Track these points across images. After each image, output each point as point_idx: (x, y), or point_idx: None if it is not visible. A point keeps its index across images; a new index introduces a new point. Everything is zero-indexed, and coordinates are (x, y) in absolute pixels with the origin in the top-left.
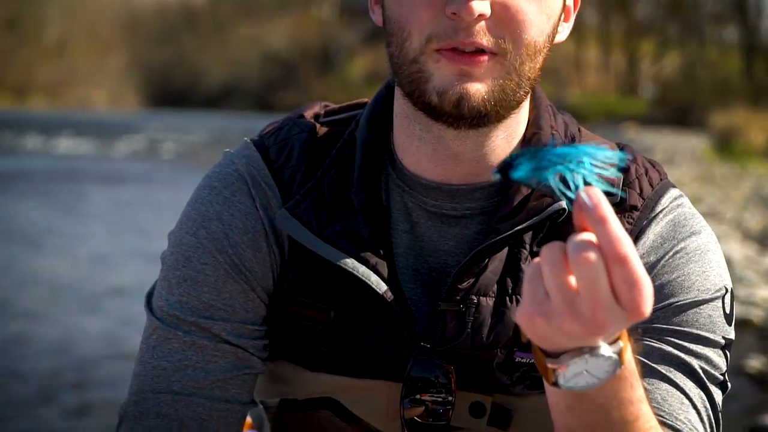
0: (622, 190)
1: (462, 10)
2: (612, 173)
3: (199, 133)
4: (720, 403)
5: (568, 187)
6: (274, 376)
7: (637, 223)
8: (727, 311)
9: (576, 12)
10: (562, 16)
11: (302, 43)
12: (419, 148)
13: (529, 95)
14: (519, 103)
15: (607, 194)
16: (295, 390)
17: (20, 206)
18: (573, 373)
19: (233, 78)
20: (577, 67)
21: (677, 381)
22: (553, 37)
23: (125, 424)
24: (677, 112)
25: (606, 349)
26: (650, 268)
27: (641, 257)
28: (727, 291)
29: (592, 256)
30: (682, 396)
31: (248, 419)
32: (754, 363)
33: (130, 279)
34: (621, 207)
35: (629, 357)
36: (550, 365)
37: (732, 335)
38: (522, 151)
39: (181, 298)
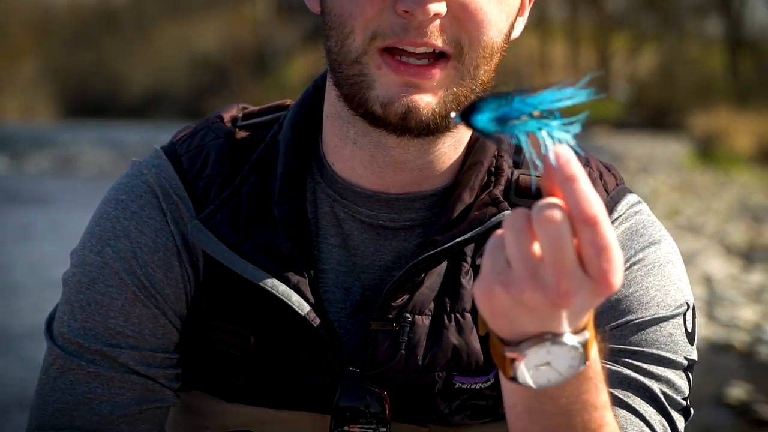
0: None
1: (416, 8)
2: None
3: (122, 146)
4: (682, 424)
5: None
6: (188, 408)
7: None
8: (689, 329)
9: (531, 5)
10: (518, 12)
11: (234, 45)
12: (354, 153)
13: None
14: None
15: None
16: (210, 423)
17: None
18: (534, 364)
19: (159, 84)
20: (541, 65)
21: (636, 407)
22: (510, 36)
23: None
24: (654, 114)
25: (570, 338)
26: None
27: None
28: (688, 307)
29: (558, 215)
30: (642, 423)
31: None
32: (736, 392)
33: (38, 315)
34: None
35: (595, 354)
36: (508, 354)
37: (694, 355)
38: (488, 95)
39: (85, 324)
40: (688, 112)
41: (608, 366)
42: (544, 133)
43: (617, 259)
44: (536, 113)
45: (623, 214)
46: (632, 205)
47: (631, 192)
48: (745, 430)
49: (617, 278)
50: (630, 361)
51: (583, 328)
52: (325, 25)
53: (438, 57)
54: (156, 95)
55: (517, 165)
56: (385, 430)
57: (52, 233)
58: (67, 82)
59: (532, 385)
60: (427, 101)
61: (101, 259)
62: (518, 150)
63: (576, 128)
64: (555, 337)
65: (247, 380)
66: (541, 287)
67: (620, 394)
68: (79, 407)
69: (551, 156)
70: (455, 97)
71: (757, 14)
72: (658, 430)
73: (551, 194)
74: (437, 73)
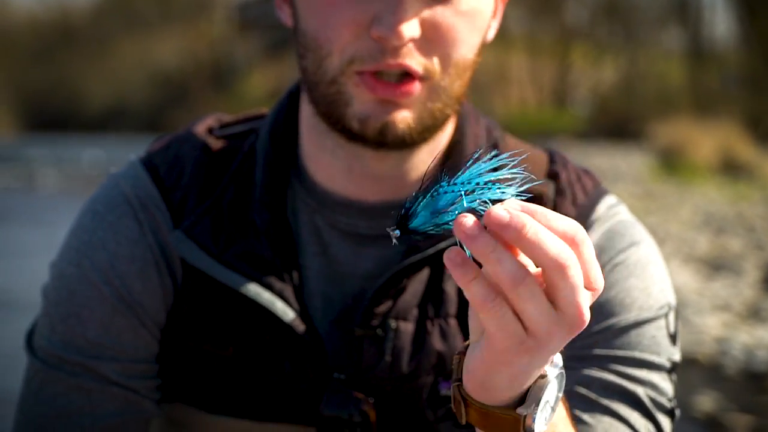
0: (555, 197)
1: (390, 35)
2: (540, 181)
3: (83, 160)
4: (671, 425)
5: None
6: (171, 421)
7: None
8: (672, 330)
9: (504, 6)
10: (492, 17)
11: (193, 60)
12: (332, 163)
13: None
14: (446, 121)
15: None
16: None
17: None
18: (540, 410)
19: (119, 98)
20: (501, 78)
21: (621, 413)
22: (483, 46)
23: None
24: (613, 125)
25: (553, 371)
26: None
27: None
28: (671, 308)
29: (518, 280)
30: (628, 430)
31: None
32: (704, 403)
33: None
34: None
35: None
36: (522, 412)
37: (678, 356)
38: (414, 195)
39: (64, 336)
40: (649, 123)
41: (592, 373)
42: (483, 204)
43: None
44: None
45: (603, 215)
46: (611, 207)
47: (609, 194)
48: None
49: (587, 314)
50: (614, 366)
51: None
52: (299, 45)
53: (413, 75)
54: (116, 109)
55: None
56: None
57: (7, 249)
58: (25, 96)
59: (544, 427)
60: (403, 117)
61: (79, 271)
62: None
63: (513, 189)
64: (546, 377)
65: (229, 391)
66: (529, 350)
67: (605, 401)
68: (61, 419)
69: (490, 222)
70: (430, 112)
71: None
72: None
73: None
74: (413, 91)
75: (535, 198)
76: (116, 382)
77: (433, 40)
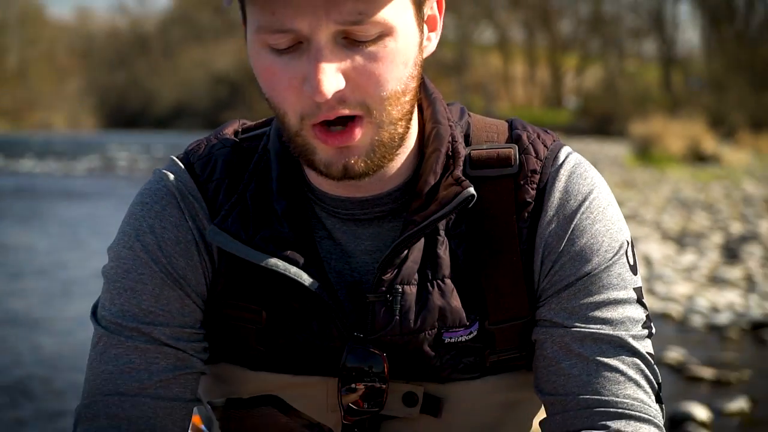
0: (519, 157)
1: (315, 94)
2: (501, 148)
3: (152, 151)
4: (652, 349)
5: None
6: (218, 377)
7: (539, 183)
8: (631, 263)
9: (442, 17)
10: (425, 35)
11: (247, 65)
12: (319, 176)
13: (411, 121)
14: (402, 139)
15: (503, 163)
16: (238, 389)
17: None
18: None
19: (183, 99)
20: (505, 81)
21: (609, 362)
22: (420, 63)
23: (80, 425)
24: (599, 122)
25: None
26: (564, 226)
27: (552, 215)
28: (628, 243)
29: None
30: (617, 375)
31: (197, 416)
32: (674, 354)
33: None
34: (521, 173)
35: None
36: None
37: (640, 283)
38: None
39: (122, 307)
40: (628, 120)
41: (582, 329)
42: None
43: None
44: None
45: (563, 162)
46: (569, 154)
47: (565, 145)
48: (682, 384)
49: None
50: (596, 314)
51: None
52: (267, 101)
53: (351, 116)
54: (181, 108)
55: (467, 142)
56: (384, 386)
57: (88, 223)
58: (105, 97)
59: None
60: (357, 157)
61: (132, 252)
62: (468, 131)
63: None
64: None
65: (265, 350)
66: None
67: (598, 356)
68: (122, 375)
69: None
70: (380, 143)
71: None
72: (632, 373)
73: None
74: (358, 133)
75: (503, 158)
76: (167, 344)
77: (360, 84)
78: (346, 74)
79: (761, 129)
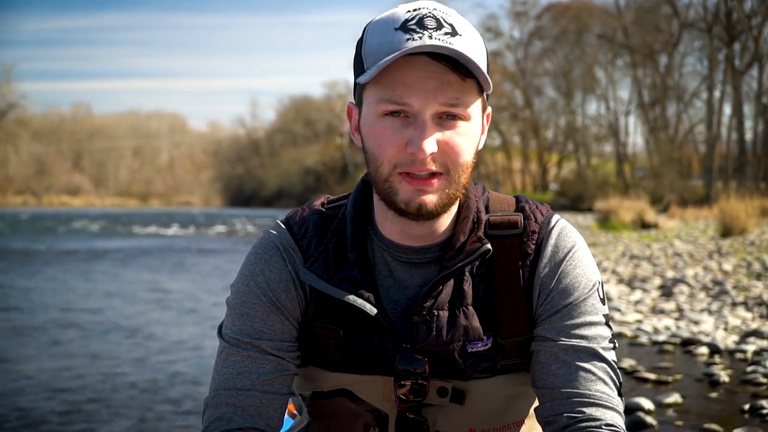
0: (524, 222)
1: (418, 153)
2: (511, 215)
3: (259, 221)
4: (615, 358)
5: None
6: (307, 376)
7: (537, 240)
8: (602, 296)
9: (488, 125)
10: (483, 130)
11: (328, 161)
12: (392, 227)
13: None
14: (457, 198)
15: (512, 226)
16: (321, 385)
17: (139, 270)
18: None
19: (283, 185)
20: (507, 172)
21: (586, 366)
22: (478, 150)
23: (208, 411)
24: (573, 200)
25: None
26: (555, 270)
27: (546, 262)
28: (599, 282)
29: None
30: (591, 376)
31: (291, 404)
32: (627, 362)
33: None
34: (525, 232)
35: None
36: None
37: (607, 310)
38: None
39: (240, 327)
40: (593, 199)
41: (567, 343)
42: None
43: None
44: None
45: (554, 226)
46: (558, 221)
47: (555, 214)
48: (633, 384)
49: None
50: (577, 331)
51: None
52: (365, 155)
53: (435, 172)
54: (281, 192)
55: (487, 211)
56: (426, 383)
57: (216, 271)
58: (229, 184)
59: None
60: (430, 199)
61: (248, 288)
62: (487, 203)
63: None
64: None
65: (341, 357)
66: None
67: (577, 361)
68: (239, 375)
69: None
70: (447, 195)
71: (634, 140)
72: (601, 374)
73: None
74: (435, 183)
75: (512, 223)
76: (271, 353)
77: (445, 151)
78: (438, 143)
79: (686, 205)
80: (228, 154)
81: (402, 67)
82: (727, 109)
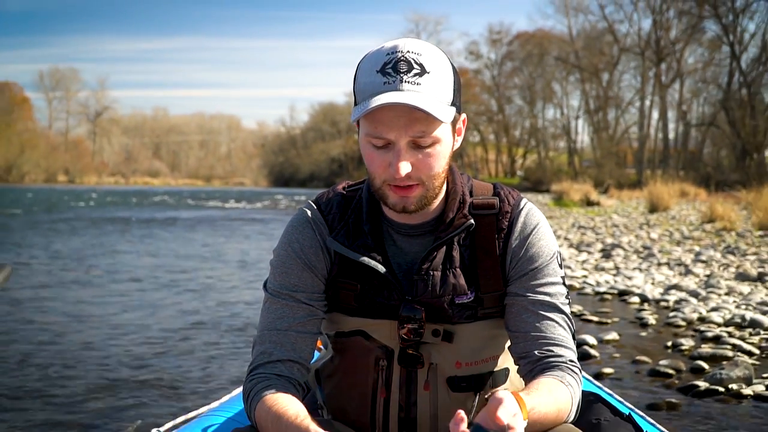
0: (500, 204)
1: (396, 173)
2: (489, 199)
3: (297, 197)
4: (570, 309)
5: None
6: (332, 320)
7: (510, 218)
8: (560, 262)
9: (465, 128)
10: (455, 141)
11: (348, 152)
12: (392, 211)
13: (443, 185)
14: (437, 195)
15: (490, 207)
16: (342, 326)
17: (203, 235)
18: None
19: (314, 171)
20: (484, 161)
21: (548, 315)
22: (452, 154)
23: (255, 347)
24: (535, 184)
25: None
26: (523, 242)
27: (517, 236)
28: (558, 252)
29: None
30: (553, 323)
31: (319, 341)
32: (576, 308)
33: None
34: (500, 211)
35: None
36: None
37: (564, 273)
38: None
39: (280, 282)
40: (550, 183)
41: (534, 297)
42: None
43: None
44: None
45: (523, 207)
46: (526, 203)
47: (524, 198)
48: (580, 325)
49: None
50: (541, 289)
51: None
52: (367, 169)
53: (412, 184)
54: (312, 176)
55: (470, 195)
56: (423, 326)
57: (261, 236)
58: (272, 169)
59: None
60: (411, 202)
61: (286, 252)
62: (471, 189)
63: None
64: None
65: (358, 306)
66: None
67: (541, 311)
68: (279, 320)
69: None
70: (425, 197)
71: (582, 137)
72: (560, 321)
73: None
74: (414, 191)
75: (490, 205)
76: (304, 303)
77: (419, 168)
78: (413, 164)
79: (622, 188)
80: (272, 146)
81: (381, 108)
82: (655, 114)
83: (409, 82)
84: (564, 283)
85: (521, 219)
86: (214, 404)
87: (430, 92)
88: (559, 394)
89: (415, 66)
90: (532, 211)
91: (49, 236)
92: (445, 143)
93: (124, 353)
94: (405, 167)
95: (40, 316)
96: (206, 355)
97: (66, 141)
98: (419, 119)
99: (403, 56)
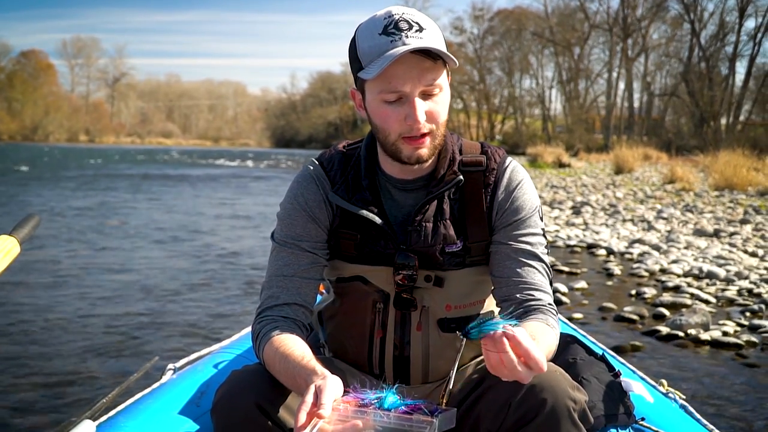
0: (487, 161)
1: (415, 123)
2: (477, 156)
3: (297, 157)
4: (549, 257)
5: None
6: (333, 266)
7: (496, 175)
8: (540, 215)
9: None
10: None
11: (343, 117)
12: (392, 167)
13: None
14: (440, 146)
15: (478, 164)
16: (343, 273)
17: (213, 189)
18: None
19: (312, 133)
20: (467, 127)
21: (529, 262)
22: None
23: (263, 291)
24: (512, 147)
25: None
26: (508, 196)
27: (503, 190)
28: (539, 206)
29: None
30: (533, 270)
31: (322, 285)
32: (548, 260)
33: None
34: (487, 168)
35: None
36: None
37: (544, 226)
38: (476, 320)
39: (287, 232)
40: (526, 146)
41: (517, 245)
42: (501, 326)
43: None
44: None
45: (508, 164)
46: (511, 161)
47: (509, 156)
48: (552, 274)
49: (541, 365)
50: (523, 239)
51: None
52: (373, 126)
53: (425, 133)
54: (311, 138)
55: (460, 153)
56: (416, 272)
57: (265, 191)
58: (275, 131)
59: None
60: (424, 152)
61: (292, 206)
62: (460, 147)
63: (514, 321)
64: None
65: (357, 254)
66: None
67: (523, 258)
68: (285, 267)
69: (505, 335)
70: (434, 145)
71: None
72: (539, 268)
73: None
74: (426, 141)
75: (478, 162)
76: (308, 251)
77: (431, 117)
78: (426, 113)
79: (590, 152)
80: (274, 111)
81: (392, 65)
82: (621, 85)
83: (413, 36)
84: (544, 235)
85: (507, 175)
86: (225, 342)
87: (433, 43)
88: (547, 337)
89: (413, 24)
90: (516, 168)
91: (71, 190)
92: (447, 92)
93: (141, 298)
94: (422, 115)
95: (63, 263)
96: (216, 297)
97: (87, 104)
98: (429, 69)
99: (400, 17)
